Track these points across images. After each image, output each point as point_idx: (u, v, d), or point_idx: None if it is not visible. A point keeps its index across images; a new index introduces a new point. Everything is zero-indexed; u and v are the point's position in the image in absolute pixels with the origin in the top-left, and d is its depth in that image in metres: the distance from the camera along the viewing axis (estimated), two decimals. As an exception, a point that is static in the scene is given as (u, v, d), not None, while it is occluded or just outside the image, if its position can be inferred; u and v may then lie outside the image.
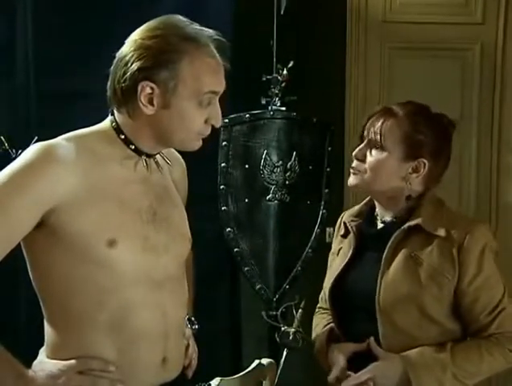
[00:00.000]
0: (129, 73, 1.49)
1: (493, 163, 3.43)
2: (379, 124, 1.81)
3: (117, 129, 1.56)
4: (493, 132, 3.42)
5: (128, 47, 1.52)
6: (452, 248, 1.74)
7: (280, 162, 2.82)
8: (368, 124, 1.84)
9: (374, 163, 1.80)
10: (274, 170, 2.82)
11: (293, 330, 2.03)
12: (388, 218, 1.86)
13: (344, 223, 1.97)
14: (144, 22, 2.63)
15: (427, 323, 1.75)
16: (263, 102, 2.84)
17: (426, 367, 1.71)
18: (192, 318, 1.83)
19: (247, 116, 2.78)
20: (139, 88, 1.49)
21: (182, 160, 1.77)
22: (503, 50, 3.36)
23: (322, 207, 2.95)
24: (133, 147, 1.56)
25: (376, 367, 1.74)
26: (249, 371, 1.73)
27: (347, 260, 1.88)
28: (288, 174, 2.84)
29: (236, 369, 1.83)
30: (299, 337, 2.03)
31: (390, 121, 1.80)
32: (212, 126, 1.58)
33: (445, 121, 1.87)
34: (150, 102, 1.50)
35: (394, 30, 3.34)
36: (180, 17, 1.56)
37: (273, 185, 2.82)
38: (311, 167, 2.90)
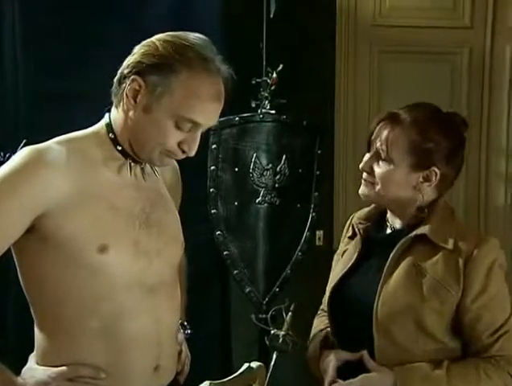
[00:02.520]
0: (129, 62, 1.49)
1: (482, 167, 3.45)
2: (385, 134, 1.71)
3: (109, 126, 1.55)
4: (482, 135, 3.44)
5: (145, 42, 1.52)
6: (458, 262, 1.65)
7: (270, 165, 2.82)
8: (374, 133, 1.75)
9: (383, 175, 1.72)
10: (264, 173, 2.82)
11: (283, 333, 2.03)
12: (398, 225, 1.78)
13: (352, 226, 1.89)
14: (133, 25, 2.66)
15: (425, 338, 1.67)
16: (253, 105, 2.84)
17: (417, 382, 1.63)
18: (185, 323, 1.82)
19: (237, 119, 2.78)
20: (129, 80, 1.48)
21: (176, 164, 1.75)
22: (491, 54, 3.38)
23: (312, 210, 2.95)
24: (120, 148, 1.55)
25: (366, 378, 1.67)
26: (238, 375, 1.72)
27: (350, 264, 1.81)
28: (278, 177, 2.84)
29: (225, 372, 1.83)
30: (288, 340, 2.03)
31: (395, 130, 1.70)
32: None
33: (458, 122, 1.77)
34: (135, 98, 1.49)
35: (384, 34, 3.35)
36: (209, 41, 1.52)
37: (262, 188, 2.82)
38: (300, 170, 2.91)
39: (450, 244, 1.67)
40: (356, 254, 1.82)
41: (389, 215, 1.82)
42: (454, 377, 1.62)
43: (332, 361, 1.76)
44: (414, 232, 1.71)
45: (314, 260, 3.13)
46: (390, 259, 1.71)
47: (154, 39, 1.51)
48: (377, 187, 1.73)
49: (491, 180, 3.46)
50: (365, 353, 1.70)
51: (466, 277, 1.64)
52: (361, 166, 1.77)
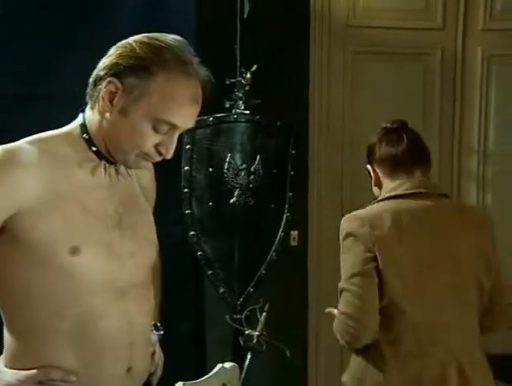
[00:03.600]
0: (105, 64, 1.48)
1: (455, 166, 3.49)
2: None
3: (83, 127, 1.54)
4: (454, 135, 3.48)
5: (121, 43, 1.50)
6: None
7: (244, 166, 2.82)
8: None
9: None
10: (238, 174, 2.82)
11: (257, 333, 2.03)
12: None
13: None
14: (104, 24, 2.64)
15: None
16: (227, 105, 2.84)
17: None
18: (158, 324, 1.81)
19: (211, 119, 2.77)
20: (106, 82, 1.47)
21: (151, 165, 1.73)
22: (463, 55, 3.43)
23: (286, 211, 2.96)
24: (94, 149, 1.54)
25: None
26: (211, 375, 1.72)
27: None
28: (252, 177, 2.84)
29: (200, 373, 1.83)
30: (263, 340, 2.03)
31: None
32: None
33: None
34: (111, 100, 1.48)
35: (357, 35, 3.37)
36: (187, 43, 1.51)
37: (237, 188, 2.82)
38: (275, 170, 2.91)
39: None
40: None
41: None
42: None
43: None
44: None
45: (289, 260, 3.15)
46: None
47: (130, 40, 1.50)
48: None
49: (463, 180, 3.50)
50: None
51: None
52: None
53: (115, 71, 1.46)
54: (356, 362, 2.08)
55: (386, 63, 3.40)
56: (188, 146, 2.76)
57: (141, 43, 1.47)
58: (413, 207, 2.08)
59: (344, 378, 2.12)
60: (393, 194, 2.12)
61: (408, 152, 2.14)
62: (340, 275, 2.04)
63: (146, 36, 1.50)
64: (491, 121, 3.48)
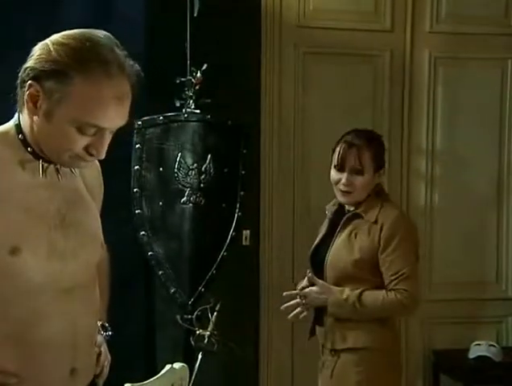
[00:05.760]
0: (25, 66, 1.43)
1: (404, 166, 3.54)
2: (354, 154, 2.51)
3: (18, 128, 1.50)
4: (403, 136, 3.53)
5: (40, 43, 1.45)
6: (376, 230, 2.40)
7: (195, 165, 2.81)
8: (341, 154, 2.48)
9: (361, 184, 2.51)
10: (189, 173, 2.81)
11: (208, 333, 2.03)
12: (351, 208, 2.49)
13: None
14: (50, 24, 2.59)
15: (352, 278, 2.41)
16: (177, 104, 2.82)
17: (333, 293, 2.42)
18: (106, 324, 1.79)
19: (161, 118, 2.76)
20: (27, 85, 1.42)
21: (97, 162, 1.69)
22: (411, 57, 3.48)
23: (237, 210, 2.96)
24: (31, 150, 1.50)
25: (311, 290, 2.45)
26: (160, 376, 1.70)
27: (321, 236, 2.56)
28: (203, 176, 2.83)
29: (150, 374, 1.81)
30: (214, 340, 2.03)
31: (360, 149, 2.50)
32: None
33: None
34: (34, 103, 1.44)
35: (308, 35, 3.39)
36: (110, 37, 1.45)
37: (188, 188, 2.81)
38: (226, 170, 2.91)
39: (372, 218, 2.42)
40: (325, 229, 2.56)
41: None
42: (363, 293, 2.39)
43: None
44: (351, 212, 2.48)
45: (240, 259, 3.15)
46: (338, 229, 2.48)
47: (48, 41, 1.44)
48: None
49: (412, 180, 3.56)
50: (310, 274, 2.47)
51: (381, 239, 2.40)
52: (343, 181, 2.44)
53: (34, 74, 1.41)
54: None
55: (336, 64, 3.43)
56: (138, 146, 2.73)
57: (57, 44, 1.41)
58: None
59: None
60: None
61: None
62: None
63: (65, 35, 1.44)
64: (438, 121, 3.55)
